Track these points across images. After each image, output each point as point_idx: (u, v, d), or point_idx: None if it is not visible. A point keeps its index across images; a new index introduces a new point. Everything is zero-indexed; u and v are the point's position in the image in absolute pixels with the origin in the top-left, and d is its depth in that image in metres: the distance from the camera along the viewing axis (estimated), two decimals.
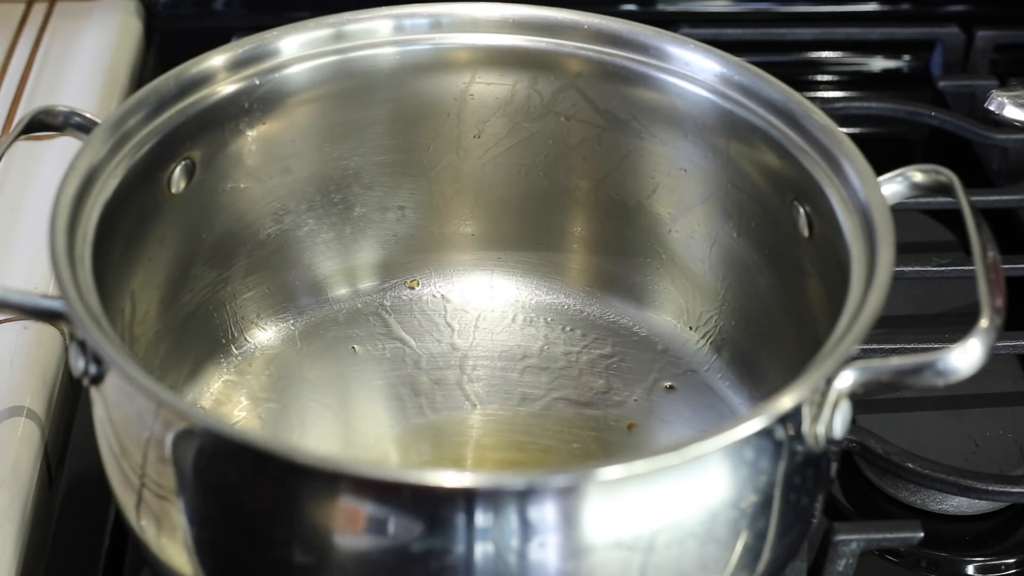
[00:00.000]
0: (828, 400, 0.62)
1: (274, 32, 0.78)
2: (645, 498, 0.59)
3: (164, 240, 0.76)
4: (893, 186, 0.71)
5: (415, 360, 0.82)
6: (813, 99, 0.75)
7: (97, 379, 0.64)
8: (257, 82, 0.77)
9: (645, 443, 0.78)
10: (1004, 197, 0.94)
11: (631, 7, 1.16)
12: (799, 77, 1.13)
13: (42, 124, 0.73)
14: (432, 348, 0.83)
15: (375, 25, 0.79)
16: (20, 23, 1.08)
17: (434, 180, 0.84)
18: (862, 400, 0.67)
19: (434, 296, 0.86)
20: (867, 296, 0.64)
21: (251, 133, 0.78)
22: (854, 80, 1.16)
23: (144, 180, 0.73)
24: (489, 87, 0.82)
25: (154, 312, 0.76)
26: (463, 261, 0.86)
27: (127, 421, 0.64)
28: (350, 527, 0.58)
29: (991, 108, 0.99)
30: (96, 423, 0.68)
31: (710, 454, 0.59)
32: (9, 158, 0.92)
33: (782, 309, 0.77)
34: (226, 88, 0.76)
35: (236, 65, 0.76)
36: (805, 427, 0.62)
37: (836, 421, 0.62)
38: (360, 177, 0.83)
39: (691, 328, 0.83)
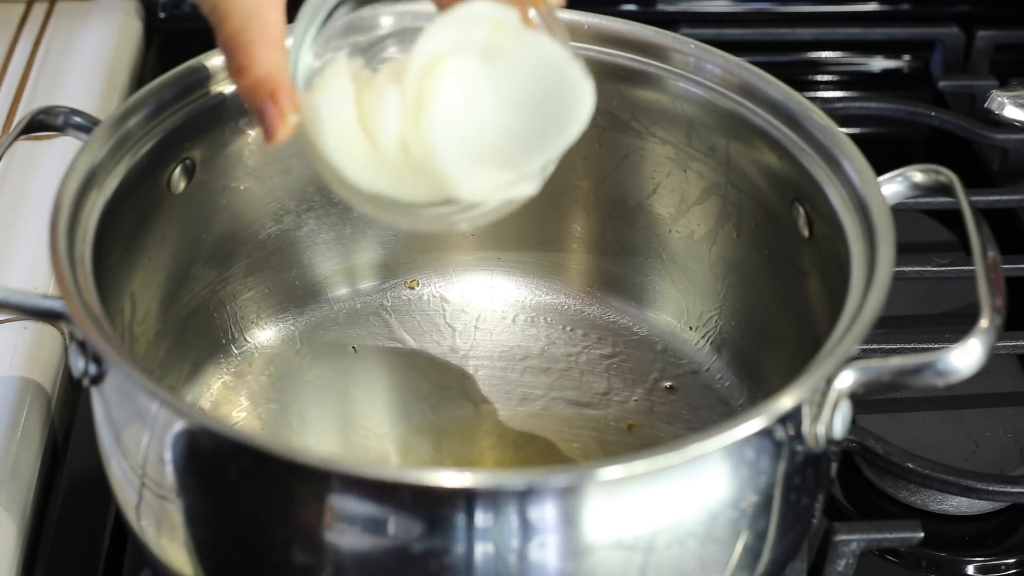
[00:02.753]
0: (828, 400, 0.62)
1: None
2: (645, 498, 0.59)
3: (164, 240, 0.76)
4: (893, 186, 0.71)
5: (415, 360, 0.82)
6: (813, 99, 0.75)
7: (97, 379, 0.64)
8: None
9: (645, 443, 0.78)
10: (1004, 197, 0.94)
11: (631, 7, 1.16)
12: (799, 77, 1.13)
13: (42, 124, 0.73)
14: (432, 348, 0.83)
15: (375, 23, 0.79)
16: (20, 23, 1.08)
17: None
18: (862, 400, 0.67)
19: (434, 296, 0.86)
20: (867, 296, 0.64)
21: (251, 133, 0.78)
22: (854, 80, 1.16)
23: (144, 180, 0.73)
24: None
25: (154, 312, 0.76)
26: (463, 261, 0.86)
27: (127, 421, 0.64)
28: (350, 527, 0.58)
29: (991, 108, 0.99)
30: (96, 423, 0.68)
31: (710, 454, 0.59)
32: (9, 158, 0.92)
33: (782, 309, 0.77)
34: (226, 88, 0.76)
35: None
36: (805, 427, 0.62)
37: (836, 421, 0.62)
38: None
39: (691, 328, 0.83)
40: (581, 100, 0.66)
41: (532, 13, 0.68)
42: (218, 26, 0.65)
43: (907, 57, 1.17)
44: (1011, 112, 0.99)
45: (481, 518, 0.57)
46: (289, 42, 0.66)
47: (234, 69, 0.64)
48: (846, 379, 0.62)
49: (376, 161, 0.65)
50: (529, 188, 0.67)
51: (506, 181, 0.66)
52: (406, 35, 0.71)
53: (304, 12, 0.66)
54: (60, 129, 0.74)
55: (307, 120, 0.65)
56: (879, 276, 0.64)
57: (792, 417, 0.61)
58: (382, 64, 0.70)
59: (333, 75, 0.66)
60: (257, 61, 0.64)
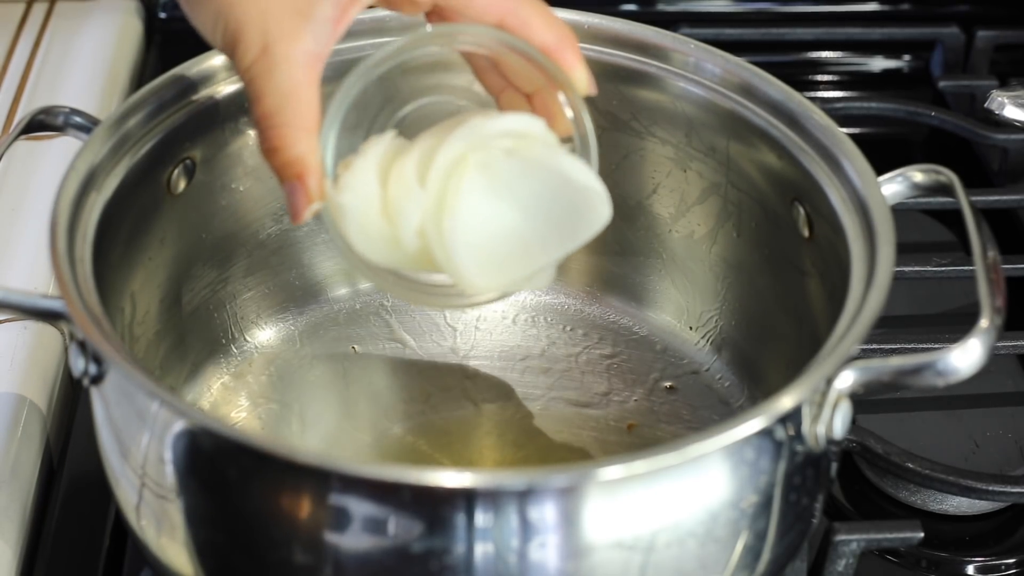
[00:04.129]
0: (828, 400, 0.62)
1: None
2: (645, 498, 0.59)
3: (164, 240, 0.76)
4: (893, 186, 0.71)
5: (415, 360, 0.82)
6: (813, 99, 0.75)
7: (97, 379, 0.64)
8: None
9: (645, 443, 0.78)
10: (1004, 197, 0.94)
11: (631, 7, 1.16)
12: (799, 77, 1.13)
13: (42, 124, 0.73)
14: (432, 348, 0.83)
15: (376, 24, 0.79)
16: (20, 23, 1.08)
17: None
18: (862, 400, 0.67)
19: None
20: (867, 296, 0.64)
21: (251, 133, 0.78)
22: (854, 80, 1.16)
23: (144, 180, 0.73)
24: None
25: (154, 312, 0.76)
26: None
27: (127, 421, 0.64)
28: (350, 527, 0.58)
29: (991, 108, 0.99)
30: (96, 423, 0.68)
31: (710, 454, 0.59)
32: (9, 158, 0.92)
33: (782, 309, 0.77)
34: (226, 88, 0.76)
35: None
36: (805, 427, 0.62)
37: (836, 421, 0.62)
38: None
39: (691, 328, 0.83)
40: (596, 214, 0.69)
41: (560, 97, 0.69)
42: (253, 103, 0.65)
43: (907, 57, 1.17)
44: (1011, 112, 0.99)
45: (481, 518, 0.57)
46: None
47: (266, 148, 0.65)
48: (846, 379, 0.62)
49: (396, 250, 0.68)
50: (540, 283, 0.71)
51: (519, 277, 0.70)
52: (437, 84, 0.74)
53: (337, 95, 0.67)
54: (60, 129, 0.74)
55: (332, 210, 0.67)
56: (879, 276, 0.64)
57: (792, 417, 0.61)
58: (416, 108, 0.73)
59: (361, 172, 0.67)
60: (289, 144, 0.65)
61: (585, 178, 0.68)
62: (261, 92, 0.65)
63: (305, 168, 0.65)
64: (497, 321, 0.85)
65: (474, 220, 0.67)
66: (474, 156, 0.67)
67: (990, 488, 0.75)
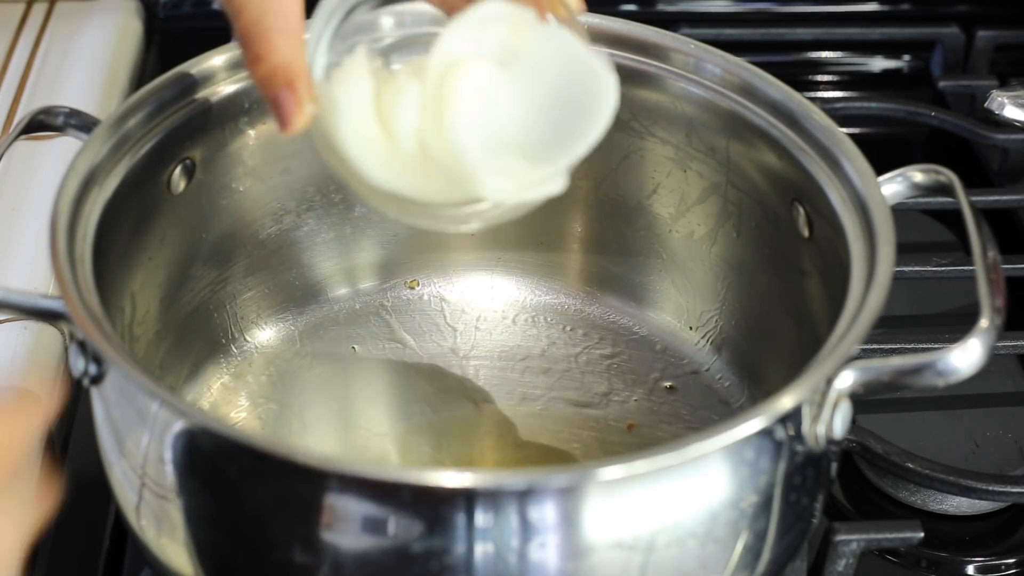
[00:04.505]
0: (828, 400, 0.62)
1: None
2: (645, 498, 0.59)
3: (164, 240, 0.76)
4: (893, 186, 0.71)
5: (415, 360, 0.82)
6: (813, 99, 0.75)
7: (97, 379, 0.64)
8: None
9: (645, 443, 0.78)
10: (1004, 197, 0.94)
11: (631, 7, 1.16)
12: (799, 77, 1.13)
13: (42, 124, 0.73)
14: (432, 348, 0.83)
15: (376, 23, 0.79)
16: (20, 23, 1.08)
17: None
18: (862, 400, 0.67)
19: (434, 296, 0.86)
20: (867, 296, 0.64)
21: (251, 133, 0.78)
22: (854, 80, 1.16)
23: (144, 180, 0.73)
24: None
25: (154, 312, 0.76)
26: (463, 261, 0.86)
27: (127, 421, 0.64)
28: (350, 527, 0.58)
29: (991, 108, 0.99)
30: (96, 423, 0.68)
31: (710, 454, 0.59)
32: (9, 158, 0.92)
33: (782, 309, 0.77)
34: (226, 88, 0.76)
35: (236, 65, 0.76)
36: (805, 427, 0.62)
37: (836, 421, 0.62)
38: None
39: (691, 328, 0.83)
40: (605, 91, 0.65)
41: (550, 17, 0.67)
42: (235, 17, 0.64)
43: (907, 57, 1.17)
44: (1011, 112, 0.99)
45: (481, 518, 0.57)
46: (306, 37, 0.66)
47: (250, 58, 0.63)
48: (846, 379, 0.62)
49: (392, 155, 0.64)
50: (555, 186, 0.66)
51: (532, 180, 0.65)
52: (422, 38, 0.71)
53: (322, 9, 0.66)
54: (60, 129, 0.74)
55: (323, 110, 0.64)
56: (879, 276, 0.64)
57: (792, 417, 0.61)
58: (400, 64, 0.69)
59: (352, 66, 0.65)
60: (274, 50, 0.63)
61: (587, 54, 0.65)
62: (242, 4, 0.63)
63: (293, 72, 0.62)
64: (497, 321, 0.85)
65: (476, 118, 0.64)
66: (471, 60, 0.64)
67: (990, 488, 0.75)
